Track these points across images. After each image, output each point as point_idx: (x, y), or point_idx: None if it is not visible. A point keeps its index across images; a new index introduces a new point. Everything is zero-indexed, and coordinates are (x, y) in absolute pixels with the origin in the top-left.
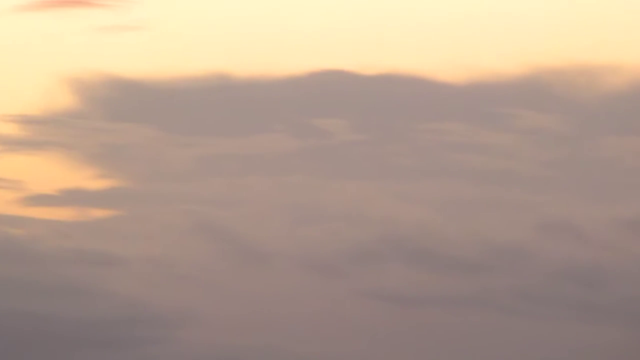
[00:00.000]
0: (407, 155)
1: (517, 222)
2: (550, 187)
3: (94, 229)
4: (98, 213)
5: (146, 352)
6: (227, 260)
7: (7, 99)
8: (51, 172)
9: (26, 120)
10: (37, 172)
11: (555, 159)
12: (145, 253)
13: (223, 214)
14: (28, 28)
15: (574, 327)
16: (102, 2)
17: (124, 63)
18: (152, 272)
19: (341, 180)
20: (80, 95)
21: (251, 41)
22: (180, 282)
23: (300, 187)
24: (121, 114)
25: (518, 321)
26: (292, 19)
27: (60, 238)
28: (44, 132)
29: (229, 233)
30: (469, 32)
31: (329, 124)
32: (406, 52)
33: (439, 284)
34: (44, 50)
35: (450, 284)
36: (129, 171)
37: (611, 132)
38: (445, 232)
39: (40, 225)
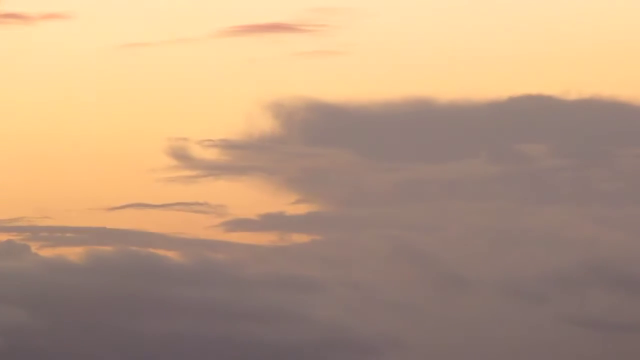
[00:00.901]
0: (609, 179)
1: None
2: None
3: (294, 254)
4: (298, 238)
5: None
6: (428, 285)
7: (209, 124)
8: (252, 197)
9: (228, 145)
10: (238, 197)
11: None
12: (345, 278)
13: (423, 239)
14: (230, 53)
15: None
16: (304, 27)
17: (325, 87)
18: (353, 297)
19: (542, 204)
20: (280, 120)
21: (452, 66)
22: (380, 307)
23: (501, 211)
24: (321, 139)
25: None
26: (493, 43)
27: (260, 263)
28: (245, 157)
29: (429, 258)
30: None
31: (530, 148)
32: (608, 77)
33: None
34: (245, 75)
35: None
36: (328, 196)
37: None
38: None
39: (241, 250)
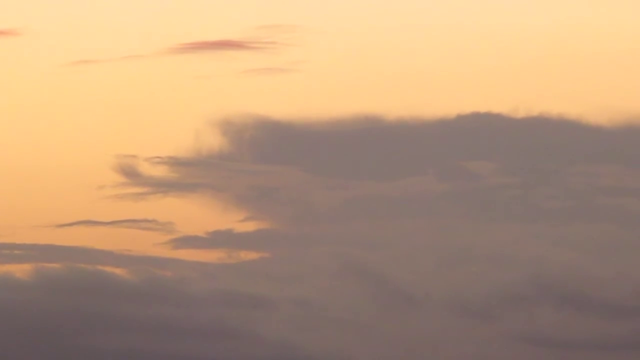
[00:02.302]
0: (557, 198)
1: None
2: None
3: (242, 271)
4: (246, 255)
5: None
6: (376, 303)
7: (157, 141)
8: (200, 214)
9: (176, 162)
10: (186, 214)
11: None
12: (293, 295)
13: (371, 257)
14: (178, 70)
15: None
16: (253, 44)
17: (274, 105)
18: (301, 314)
19: (490, 222)
20: (229, 137)
21: (401, 84)
22: (329, 324)
23: (449, 229)
24: (270, 156)
25: None
26: (441, 61)
27: (208, 280)
28: (193, 174)
29: (378, 275)
30: (621, 76)
31: (478, 166)
32: (556, 95)
33: (590, 327)
34: (194, 92)
35: (602, 328)
36: (277, 213)
37: None
38: (597, 275)
39: (189, 267)
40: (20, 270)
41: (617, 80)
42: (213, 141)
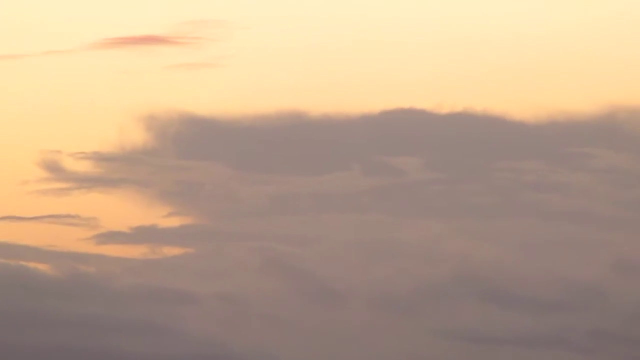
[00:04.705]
0: (482, 193)
1: (594, 261)
2: (627, 226)
3: (166, 267)
4: (170, 250)
5: None
6: (301, 298)
7: (81, 136)
8: (124, 210)
9: (100, 158)
10: (110, 210)
11: (631, 198)
12: (218, 291)
13: (296, 252)
14: (103, 65)
15: None
16: (178, 40)
17: (198, 100)
18: (226, 309)
19: (415, 218)
20: (153, 133)
21: (325, 80)
22: (253, 320)
23: (374, 225)
24: (195, 152)
25: None
26: (366, 57)
27: (132, 275)
28: (117, 169)
29: (302, 271)
30: (544, 72)
31: (403, 162)
32: (481, 91)
33: (514, 323)
34: (118, 87)
35: (525, 323)
36: (201, 208)
37: None
38: (521, 271)
39: (112, 263)
40: None
41: (540, 76)
42: (137, 136)
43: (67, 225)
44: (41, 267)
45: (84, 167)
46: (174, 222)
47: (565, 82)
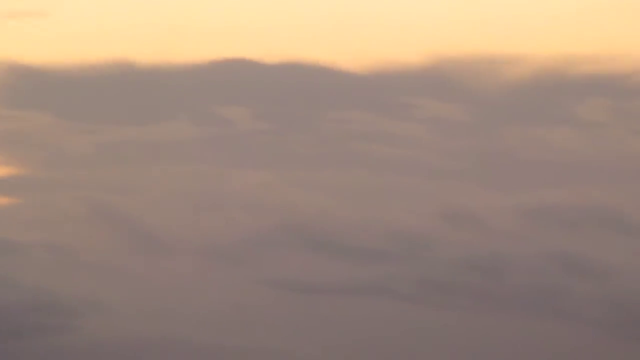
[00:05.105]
0: (310, 144)
1: (420, 211)
2: (453, 176)
3: None
4: None
5: (49, 340)
6: (128, 248)
7: None
8: None
9: None
10: None
11: (457, 148)
12: (46, 241)
13: (124, 202)
14: None
15: (474, 316)
16: None
17: (24, 49)
18: (54, 259)
19: (243, 168)
20: None
21: (154, 29)
22: (82, 270)
23: (202, 175)
24: (20, 101)
25: (420, 309)
26: (195, 7)
27: None
28: None
29: (130, 221)
30: (372, 22)
31: (231, 112)
32: (309, 41)
33: (340, 272)
34: None
35: (352, 272)
36: (28, 158)
37: (513, 122)
38: (348, 220)
39: None
40: None
41: (367, 27)
42: None
43: None
44: None
45: None
46: (1, 172)
47: (392, 33)
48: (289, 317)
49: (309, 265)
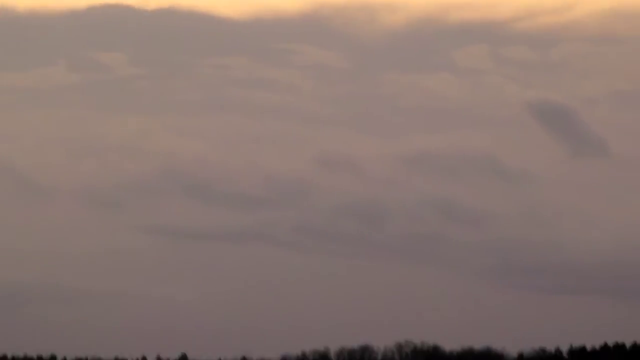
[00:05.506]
0: (188, 89)
1: (298, 157)
2: (331, 123)
3: None
4: None
5: None
6: (5, 194)
7: None
8: None
9: None
10: None
11: (335, 95)
12: None
13: (1, 147)
14: None
15: (352, 263)
16: None
17: None
18: None
19: (120, 113)
20: None
21: None
22: None
23: (79, 120)
24: None
25: (298, 256)
26: None
27: None
28: None
29: (6, 167)
30: None
31: (109, 57)
32: None
33: (218, 218)
34: None
35: (229, 219)
36: None
37: (391, 69)
38: (226, 167)
39: None
40: None
41: None
42: None
43: None
44: None
45: None
46: None
47: None
48: (166, 263)
49: (186, 212)
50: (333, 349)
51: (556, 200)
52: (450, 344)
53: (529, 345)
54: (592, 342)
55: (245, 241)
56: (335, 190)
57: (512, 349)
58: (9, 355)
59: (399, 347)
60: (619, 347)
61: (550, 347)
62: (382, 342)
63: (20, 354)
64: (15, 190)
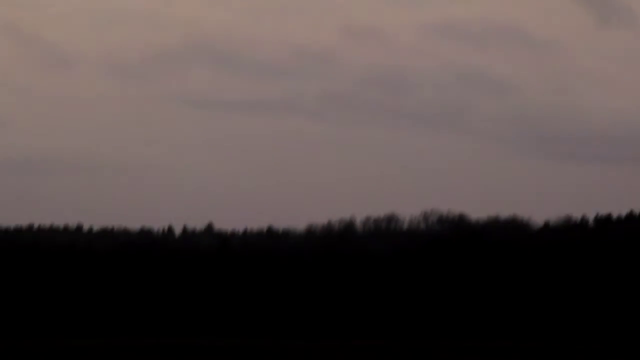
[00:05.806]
0: None
1: (323, 26)
2: None
3: None
4: None
5: None
6: (30, 63)
7: None
8: None
9: None
10: None
11: None
12: None
13: (26, 16)
14: None
15: (377, 132)
16: None
17: None
18: None
19: None
20: None
21: None
22: None
23: None
24: None
25: (324, 126)
26: None
27: None
28: None
29: (32, 36)
30: None
31: None
32: None
33: (245, 88)
34: None
35: (256, 89)
36: None
37: None
38: (252, 36)
39: None
40: None
41: None
42: None
43: None
44: None
45: None
46: None
47: None
48: (192, 133)
49: (212, 82)
50: (359, 218)
51: (583, 69)
52: (476, 213)
53: (554, 214)
54: (618, 210)
55: (270, 111)
56: (360, 60)
57: (538, 218)
58: (35, 225)
59: (425, 215)
60: None
61: (576, 215)
62: (407, 210)
63: (47, 223)
64: (39, 58)
